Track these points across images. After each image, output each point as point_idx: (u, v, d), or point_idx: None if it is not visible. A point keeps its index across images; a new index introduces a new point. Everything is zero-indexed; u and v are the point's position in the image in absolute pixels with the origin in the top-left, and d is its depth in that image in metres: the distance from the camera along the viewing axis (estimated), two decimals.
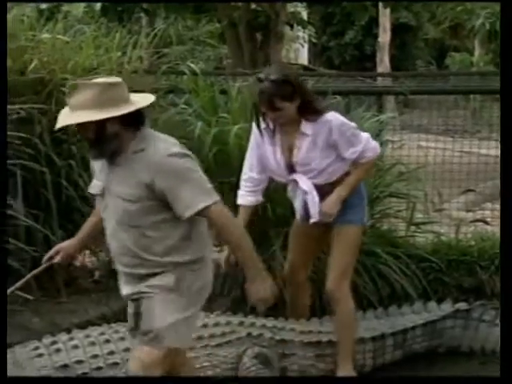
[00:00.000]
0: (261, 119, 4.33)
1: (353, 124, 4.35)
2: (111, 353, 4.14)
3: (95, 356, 4.12)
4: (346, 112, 5.73)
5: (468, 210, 7.85)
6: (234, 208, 4.55)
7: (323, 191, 4.34)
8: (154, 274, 3.41)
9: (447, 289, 5.48)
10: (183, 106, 5.57)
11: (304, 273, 4.72)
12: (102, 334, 4.24)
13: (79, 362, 4.06)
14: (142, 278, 3.42)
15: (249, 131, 4.52)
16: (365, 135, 4.39)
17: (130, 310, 3.50)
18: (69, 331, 4.33)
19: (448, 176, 6.50)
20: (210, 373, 4.29)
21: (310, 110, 4.24)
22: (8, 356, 3.80)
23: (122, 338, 4.20)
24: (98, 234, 3.72)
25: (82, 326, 4.42)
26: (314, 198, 4.33)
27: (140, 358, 3.39)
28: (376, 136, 5.44)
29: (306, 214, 4.40)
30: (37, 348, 4.16)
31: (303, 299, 4.79)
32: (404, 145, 6.48)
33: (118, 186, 3.38)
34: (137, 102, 3.36)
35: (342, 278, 4.41)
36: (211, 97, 5.53)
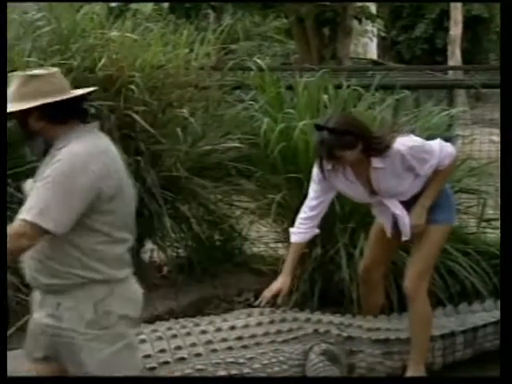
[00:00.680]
0: (324, 162, 4.20)
1: (420, 140, 4.27)
2: (178, 348, 4.16)
3: (162, 351, 4.14)
4: (415, 107, 5.67)
5: None
6: (296, 209, 4.53)
7: (410, 204, 4.32)
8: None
9: None
10: (250, 102, 5.59)
11: (379, 272, 4.68)
12: (170, 328, 4.26)
13: (147, 356, 4.07)
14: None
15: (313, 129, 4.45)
16: (437, 145, 4.28)
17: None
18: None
19: None
20: (276, 369, 4.28)
21: (375, 151, 4.16)
22: None
23: (189, 333, 4.23)
24: None
25: (151, 321, 4.44)
26: (404, 219, 4.31)
27: None
28: (446, 131, 5.36)
29: (396, 231, 4.38)
30: None
31: (375, 297, 4.75)
32: (475, 139, 6.36)
33: None
34: (63, 95, 3.04)
35: (420, 278, 4.37)
36: (277, 93, 5.53)
